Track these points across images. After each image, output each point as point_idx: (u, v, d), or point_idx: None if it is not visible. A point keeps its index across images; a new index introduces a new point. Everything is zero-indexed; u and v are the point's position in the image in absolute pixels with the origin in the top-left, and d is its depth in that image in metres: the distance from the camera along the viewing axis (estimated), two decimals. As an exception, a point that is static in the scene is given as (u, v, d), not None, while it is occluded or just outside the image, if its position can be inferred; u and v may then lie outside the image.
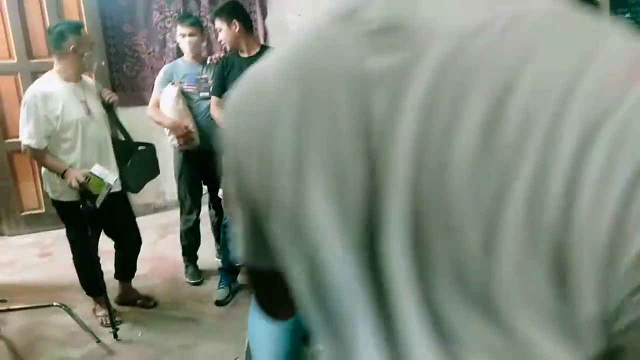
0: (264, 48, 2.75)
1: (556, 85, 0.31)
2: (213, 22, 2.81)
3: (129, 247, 2.69)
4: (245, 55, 2.69)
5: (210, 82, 2.88)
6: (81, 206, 2.29)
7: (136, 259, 2.73)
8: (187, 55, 2.93)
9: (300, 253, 0.42)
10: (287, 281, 0.45)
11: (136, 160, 2.59)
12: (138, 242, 2.71)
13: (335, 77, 0.37)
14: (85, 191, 2.27)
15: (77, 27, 2.36)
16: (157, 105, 2.89)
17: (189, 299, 2.86)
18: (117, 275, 2.74)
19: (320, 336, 0.46)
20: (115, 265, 2.70)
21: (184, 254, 3.06)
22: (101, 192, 2.30)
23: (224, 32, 2.65)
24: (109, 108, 2.50)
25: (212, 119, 2.81)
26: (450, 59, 0.34)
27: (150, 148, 2.72)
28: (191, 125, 2.82)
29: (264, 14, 4.49)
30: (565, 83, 0.31)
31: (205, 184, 3.08)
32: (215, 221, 3.14)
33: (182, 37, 2.86)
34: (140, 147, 2.67)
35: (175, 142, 2.87)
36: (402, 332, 0.38)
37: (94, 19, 3.91)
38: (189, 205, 2.99)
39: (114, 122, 2.56)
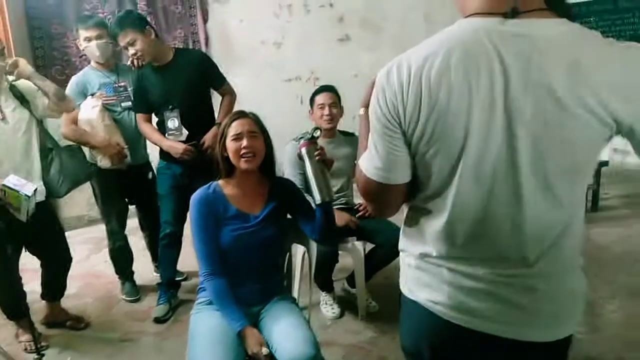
0: (178, 51, 2.58)
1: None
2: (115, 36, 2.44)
3: (56, 263, 2.47)
4: (160, 63, 2.48)
5: (129, 89, 2.65)
6: (-2, 222, 2.07)
7: (65, 276, 2.52)
8: (97, 62, 2.64)
9: (456, 145, 0.84)
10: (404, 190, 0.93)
11: (57, 161, 2.31)
12: (67, 258, 2.49)
13: (483, 49, 0.81)
14: (2, 205, 2.06)
15: None
16: (74, 121, 2.55)
17: (126, 317, 2.68)
18: (43, 296, 2.52)
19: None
20: (41, 284, 2.48)
21: (117, 272, 2.89)
22: (21, 205, 2.09)
23: (140, 42, 2.38)
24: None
25: (138, 131, 2.62)
26: (543, 52, 0.80)
27: (77, 147, 2.47)
28: (122, 142, 2.60)
29: (205, 19, 4.37)
30: None
31: (133, 202, 2.87)
32: (149, 239, 2.97)
33: (88, 41, 2.55)
34: (63, 146, 2.41)
35: (104, 162, 2.59)
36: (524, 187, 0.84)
37: (18, 18, 3.64)
38: (116, 227, 2.79)
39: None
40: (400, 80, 0.87)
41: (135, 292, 2.86)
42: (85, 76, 2.66)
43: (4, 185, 2.05)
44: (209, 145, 2.45)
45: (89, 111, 2.53)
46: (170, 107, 2.47)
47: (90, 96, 2.58)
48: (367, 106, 1.01)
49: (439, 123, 0.84)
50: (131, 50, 2.41)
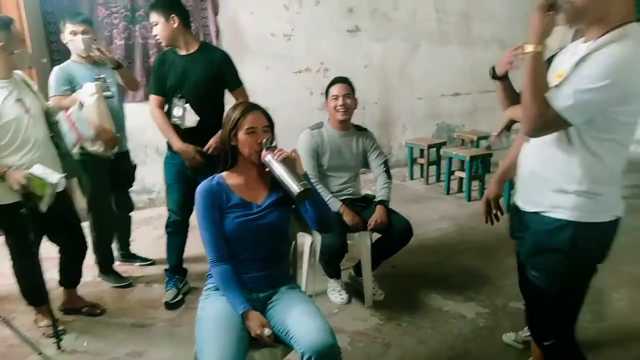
0: (203, 45, 2.64)
1: None
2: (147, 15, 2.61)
3: (74, 252, 2.57)
4: (183, 52, 2.55)
5: (109, 81, 2.79)
6: (23, 209, 2.15)
7: (82, 264, 2.62)
8: (79, 55, 2.77)
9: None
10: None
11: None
12: (84, 246, 2.59)
13: None
14: (27, 193, 2.14)
15: (5, 24, 2.22)
16: (62, 109, 2.61)
17: (139, 305, 2.77)
18: (61, 283, 2.61)
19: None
20: (59, 271, 2.58)
21: (100, 263, 3.00)
22: (45, 194, 2.17)
23: (160, 26, 2.48)
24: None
25: (118, 120, 2.77)
26: None
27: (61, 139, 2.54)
28: (114, 129, 2.70)
29: (216, 12, 4.41)
30: None
31: (113, 187, 2.96)
32: (127, 221, 3.13)
33: (74, 35, 2.70)
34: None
35: (96, 147, 2.66)
36: None
37: (34, 14, 3.71)
38: (106, 217, 2.91)
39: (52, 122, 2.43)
40: None
41: (123, 277, 3.00)
42: (68, 68, 2.77)
43: (30, 173, 2.14)
44: (216, 147, 2.48)
45: (87, 99, 2.59)
46: (180, 95, 2.53)
47: (92, 82, 2.63)
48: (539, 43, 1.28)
49: None
50: (154, 31, 2.55)
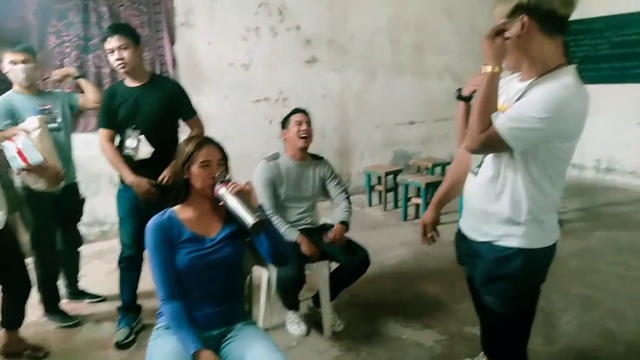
0: (154, 76, 2.65)
1: None
2: (102, 41, 2.49)
3: (16, 291, 2.42)
4: (134, 84, 2.51)
5: (55, 111, 2.71)
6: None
7: (25, 304, 2.47)
8: (21, 85, 2.65)
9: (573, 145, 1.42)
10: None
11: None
12: (27, 285, 2.45)
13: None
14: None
15: None
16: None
17: (87, 345, 2.63)
18: (2, 324, 2.45)
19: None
20: (0, 312, 2.42)
21: (46, 302, 2.83)
22: None
23: (130, 51, 2.44)
24: None
25: (65, 153, 2.68)
26: None
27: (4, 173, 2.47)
28: (59, 164, 2.59)
29: (172, 42, 4.40)
30: None
31: (60, 221, 2.84)
32: (65, 258, 2.98)
33: (13, 64, 2.58)
34: None
35: (39, 184, 2.54)
36: None
37: (-21, 41, 3.60)
38: (50, 254, 2.78)
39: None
40: None
41: (70, 317, 2.85)
42: (10, 99, 2.65)
43: None
44: (170, 177, 2.43)
45: (30, 134, 2.48)
46: (134, 126, 2.48)
47: (35, 116, 2.55)
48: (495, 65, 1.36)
49: None
50: (118, 55, 2.43)
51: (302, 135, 2.67)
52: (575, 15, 1.42)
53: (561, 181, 1.48)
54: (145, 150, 2.49)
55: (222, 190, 1.62)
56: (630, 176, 5.81)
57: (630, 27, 5.43)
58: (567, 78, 1.35)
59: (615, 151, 5.82)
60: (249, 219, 1.57)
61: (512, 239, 1.48)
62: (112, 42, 2.43)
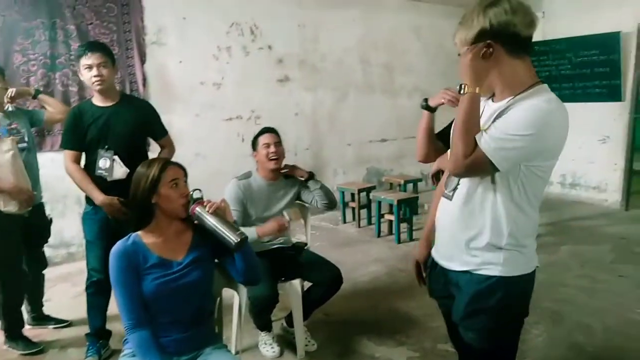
0: (124, 95, 2.62)
1: None
2: (79, 57, 2.43)
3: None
4: (105, 103, 2.47)
5: (22, 130, 2.67)
6: None
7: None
8: None
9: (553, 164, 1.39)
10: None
11: None
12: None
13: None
14: None
15: None
16: None
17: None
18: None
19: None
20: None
21: (7, 329, 2.72)
22: None
23: (109, 69, 2.42)
24: None
25: (33, 172, 2.62)
26: None
27: None
28: (30, 186, 2.54)
29: (143, 61, 4.37)
30: None
31: (25, 244, 2.72)
32: (40, 280, 2.93)
33: None
34: None
35: (10, 207, 2.49)
36: None
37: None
38: (15, 277, 2.66)
39: None
40: None
41: (33, 343, 2.73)
42: None
43: None
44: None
45: (1, 157, 2.43)
46: (106, 147, 2.43)
47: (6, 137, 2.50)
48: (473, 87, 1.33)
49: None
50: (97, 71, 2.39)
51: (272, 158, 2.66)
52: (538, 37, 1.45)
53: (539, 202, 1.42)
54: (120, 170, 2.44)
55: (198, 210, 1.60)
56: (594, 191, 6.00)
57: (590, 48, 5.67)
58: (548, 94, 1.32)
59: (580, 167, 6.01)
60: (232, 237, 1.56)
61: (493, 267, 1.39)
62: (92, 58, 2.40)
